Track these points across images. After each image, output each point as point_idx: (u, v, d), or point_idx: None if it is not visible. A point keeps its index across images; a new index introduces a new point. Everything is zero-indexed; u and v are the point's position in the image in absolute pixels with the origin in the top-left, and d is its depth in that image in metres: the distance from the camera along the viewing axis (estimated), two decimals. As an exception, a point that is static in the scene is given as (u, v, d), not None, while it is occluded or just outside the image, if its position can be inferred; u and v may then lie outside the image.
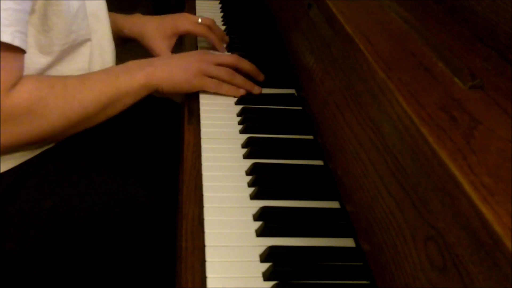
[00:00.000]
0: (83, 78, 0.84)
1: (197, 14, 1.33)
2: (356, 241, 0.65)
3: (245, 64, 0.97)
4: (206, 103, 0.93)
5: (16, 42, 0.71)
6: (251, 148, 0.81)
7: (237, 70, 0.96)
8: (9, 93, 0.73)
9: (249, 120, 0.88)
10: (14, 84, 0.74)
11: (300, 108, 0.94)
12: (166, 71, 0.90)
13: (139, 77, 0.87)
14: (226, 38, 1.15)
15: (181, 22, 1.10)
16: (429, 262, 0.48)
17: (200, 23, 1.11)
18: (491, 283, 0.39)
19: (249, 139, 0.83)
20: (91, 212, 0.84)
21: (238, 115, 0.91)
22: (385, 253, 0.56)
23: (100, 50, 0.94)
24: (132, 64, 0.90)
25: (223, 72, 0.94)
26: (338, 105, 0.75)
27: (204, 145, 0.82)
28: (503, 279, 0.38)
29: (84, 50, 0.90)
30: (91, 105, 0.82)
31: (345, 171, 0.70)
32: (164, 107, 1.15)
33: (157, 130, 1.08)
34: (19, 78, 0.76)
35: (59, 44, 0.82)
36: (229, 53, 1.02)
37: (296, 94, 0.99)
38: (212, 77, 0.93)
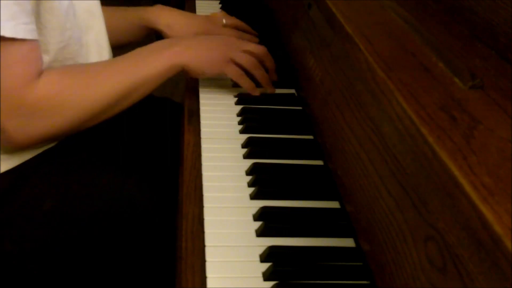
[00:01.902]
0: (109, 63, 0.85)
1: (197, 14, 1.33)
2: (356, 241, 0.65)
3: (269, 60, 0.97)
4: (206, 103, 0.93)
5: (20, 35, 0.71)
6: (251, 148, 0.81)
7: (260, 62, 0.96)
8: (33, 86, 0.74)
9: (249, 120, 0.88)
10: (37, 75, 0.75)
11: (300, 108, 0.94)
12: (193, 50, 0.90)
13: (166, 56, 0.87)
14: (255, 33, 1.15)
15: (211, 26, 1.11)
16: (429, 262, 0.48)
17: (226, 24, 1.12)
18: (491, 283, 0.39)
19: (249, 139, 0.83)
20: (91, 212, 0.84)
21: (238, 115, 0.91)
22: (385, 253, 0.56)
23: (97, 47, 0.94)
24: (159, 43, 0.90)
25: (248, 61, 0.93)
26: (338, 105, 0.75)
27: (204, 145, 0.82)
28: (503, 279, 0.38)
29: (82, 48, 0.90)
30: (119, 89, 0.83)
31: (345, 171, 0.70)
32: (164, 107, 1.15)
33: (157, 130, 1.08)
34: (40, 67, 0.76)
35: (54, 42, 0.82)
36: (258, 44, 1.01)
37: (296, 94, 0.99)
38: (236, 63, 0.93)
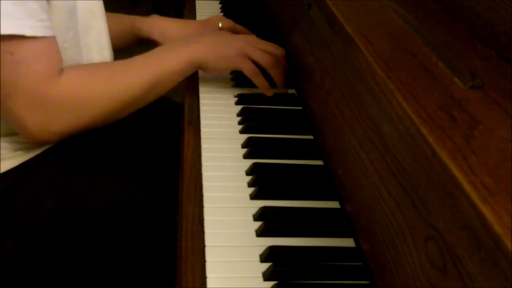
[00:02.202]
0: (128, 61, 0.87)
1: (197, 14, 1.33)
2: (356, 241, 0.65)
3: (284, 63, 0.97)
4: (206, 103, 0.93)
5: (39, 33, 0.73)
6: (251, 148, 0.81)
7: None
8: (54, 82, 0.76)
9: (249, 120, 0.88)
10: (58, 72, 0.77)
11: (300, 108, 0.94)
12: (209, 46, 0.91)
13: (183, 53, 0.88)
14: (253, 34, 1.15)
15: (205, 31, 1.11)
16: (429, 262, 0.48)
17: (222, 28, 1.12)
18: (491, 283, 0.39)
19: (249, 139, 0.83)
20: (91, 212, 0.84)
21: (238, 115, 0.91)
22: (385, 253, 0.56)
23: (98, 47, 0.94)
24: (177, 42, 0.92)
25: (265, 59, 0.93)
26: (338, 105, 0.75)
27: (204, 145, 0.82)
28: (503, 279, 0.38)
29: (83, 49, 0.90)
30: (138, 86, 0.84)
31: (345, 171, 0.70)
32: (164, 107, 1.15)
33: (157, 130, 1.08)
34: (60, 63, 0.78)
35: (58, 41, 0.83)
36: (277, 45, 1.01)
37: (296, 94, 0.99)
38: (253, 60, 0.93)
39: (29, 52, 0.74)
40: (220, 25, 1.12)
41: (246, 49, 0.92)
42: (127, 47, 1.12)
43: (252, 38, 0.97)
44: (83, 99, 0.80)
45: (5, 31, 0.70)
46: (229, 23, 1.13)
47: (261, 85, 0.94)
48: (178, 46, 0.90)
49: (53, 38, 0.77)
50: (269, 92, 0.94)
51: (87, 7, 0.92)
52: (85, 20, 0.91)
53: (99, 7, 0.95)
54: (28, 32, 0.72)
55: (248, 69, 0.93)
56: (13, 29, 0.70)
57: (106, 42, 0.96)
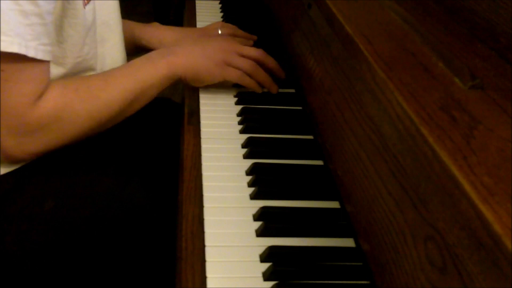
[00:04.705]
0: (106, 76, 0.85)
1: (197, 14, 1.33)
2: (356, 241, 0.65)
3: (270, 61, 0.97)
4: (206, 103, 0.93)
5: (40, 56, 0.72)
6: (251, 148, 0.81)
7: (260, 65, 0.96)
8: (35, 104, 0.74)
9: (249, 120, 0.88)
10: (41, 94, 0.75)
11: (300, 108, 0.94)
12: (188, 59, 0.90)
13: (161, 67, 0.87)
14: (254, 37, 1.15)
15: (204, 39, 1.10)
16: (429, 262, 0.48)
17: (221, 35, 1.11)
18: (491, 283, 0.39)
19: (249, 139, 0.83)
20: (91, 212, 0.84)
21: (238, 115, 0.91)
22: (385, 253, 0.56)
23: (111, 60, 0.94)
24: (154, 54, 0.90)
25: (247, 65, 0.93)
26: (338, 105, 0.75)
27: (204, 145, 0.82)
28: (503, 279, 0.38)
29: (98, 61, 0.90)
30: (117, 103, 0.83)
31: (345, 171, 0.70)
32: (164, 107, 1.15)
33: (157, 130, 1.07)
34: (46, 87, 0.76)
35: (72, 56, 0.82)
36: (255, 47, 1.00)
37: (296, 94, 0.99)
38: (234, 67, 0.93)
39: (20, 72, 0.72)
40: (219, 32, 1.11)
41: (225, 58, 0.92)
42: (127, 53, 1.12)
43: (231, 43, 0.96)
44: (62, 121, 0.78)
45: (11, 49, 0.69)
46: (229, 29, 1.13)
47: (249, 85, 0.94)
48: (155, 58, 0.89)
49: (48, 63, 0.76)
50: (260, 90, 0.95)
51: (104, 19, 0.91)
52: (100, 32, 0.91)
53: (115, 20, 0.95)
54: (31, 54, 0.71)
55: (233, 76, 0.93)
56: (18, 48, 0.69)
57: (119, 55, 0.96)
